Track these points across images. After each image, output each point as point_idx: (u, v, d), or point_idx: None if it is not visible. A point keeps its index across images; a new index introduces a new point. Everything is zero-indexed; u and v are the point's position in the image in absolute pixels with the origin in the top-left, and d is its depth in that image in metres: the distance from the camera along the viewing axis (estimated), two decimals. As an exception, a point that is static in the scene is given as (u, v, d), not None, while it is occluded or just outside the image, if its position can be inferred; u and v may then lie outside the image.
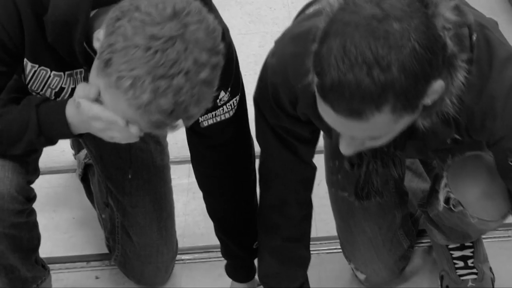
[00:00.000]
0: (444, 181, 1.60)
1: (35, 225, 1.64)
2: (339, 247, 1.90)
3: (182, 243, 2.00)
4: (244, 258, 1.77)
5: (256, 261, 1.77)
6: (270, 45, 1.49)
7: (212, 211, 1.73)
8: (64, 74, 1.47)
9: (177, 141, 2.10)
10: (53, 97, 1.49)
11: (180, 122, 1.27)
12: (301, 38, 1.35)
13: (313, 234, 1.74)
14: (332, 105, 1.18)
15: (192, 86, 1.20)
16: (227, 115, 1.53)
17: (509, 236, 1.90)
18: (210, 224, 1.77)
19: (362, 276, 1.89)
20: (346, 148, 1.30)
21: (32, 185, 1.60)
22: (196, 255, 2.05)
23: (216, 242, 1.78)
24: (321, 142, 1.78)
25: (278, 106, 1.48)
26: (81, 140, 1.95)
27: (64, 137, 1.47)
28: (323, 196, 1.89)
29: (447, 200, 1.59)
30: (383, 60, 1.12)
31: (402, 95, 1.15)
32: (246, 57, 1.52)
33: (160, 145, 1.86)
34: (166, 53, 1.18)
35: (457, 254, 1.86)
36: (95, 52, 1.30)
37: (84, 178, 2.15)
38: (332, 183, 1.80)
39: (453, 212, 1.60)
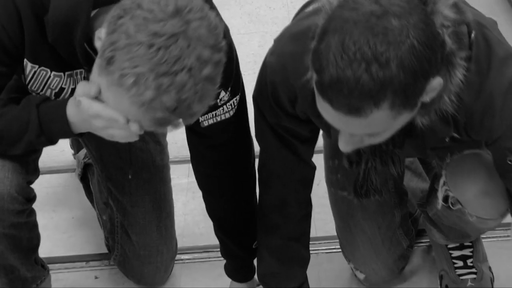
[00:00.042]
0: (442, 179, 1.60)
1: (35, 225, 1.64)
2: (339, 246, 1.90)
3: (181, 242, 2.00)
4: (244, 258, 1.77)
5: (255, 261, 1.77)
6: (269, 44, 1.50)
7: (212, 211, 1.73)
8: (64, 75, 1.47)
9: (176, 141, 2.10)
10: (53, 98, 1.49)
11: (182, 120, 1.27)
12: (300, 36, 1.35)
13: (313, 233, 1.74)
14: (331, 102, 1.18)
15: (195, 82, 1.21)
16: (227, 115, 1.53)
17: (508, 236, 1.90)
18: (209, 224, 1.77)
19: (361, 276, 1.89)
20: (345, 145, 1.30)
21: (32, 185, 1.60)
22: (196, 255, 2.05)
23: (216, 242, 1.78)
24: (320, 142, 1.78)
25: (277, 105, 1.48)
26: (80, 140, 1.95)
27: (64, 136, 1.47)
28: (322, 196, 1.89)
29: (445, 199, 1.59)
30: (381, 57, 1.12)
31: (401, 92, 1.15)
32: (245, 56, 1.52)
33: (160, 145, 1.86)
34: (169, 50, 1.18)
35: (456, 253, 1.87)
36: (95, 52, 1.30)
37: (84, 178, 2.14)
38: (331, 183, 1.80)
39: (452, 211, 1.60)
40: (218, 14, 1.36)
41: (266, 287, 1.76)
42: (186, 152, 1.66)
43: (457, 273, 1.86)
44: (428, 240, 1.98)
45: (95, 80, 1.28)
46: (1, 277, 1.65)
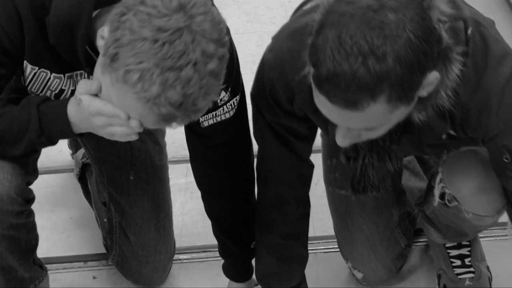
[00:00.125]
0: (439, 176, 1.60)
1: (33, 226, 1.64)
2: (337, 246, 1.90)
3: (179, 242, 2.00)
4: (242, 258, 1.77)
5: (253, 261, 1.77)
6: (267, 44, 1.49)
7: (211, 211, 1.73)
8: (64, 76, 1.47)
9: (174, 141, 2.10)
10: (53, 99, 1.49)
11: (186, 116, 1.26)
12: (298, 33, 1.36)
13: (311, 233, 1.74)
14: (328, 96, 1.18)
15: (200, 77, 1.20)
16: (227, 115, 1.53)
17: (506, 235, 1.90)
18: (207, 223, 1.77)
19: (359, 275, 1.89)
20: (342, 140, 1.30)
21: (30, 185, 1.60)
22: (194, 255, 2.05)
23: (214, 241, 1.78)
24: (319, 142, 1.78)
25: (275, 102, 1.48)
26: (79, 140, 1.95)
27: (65, 136, 1.47)
28: (321, 195, 1.89)
29: (442, 196, 1.60)
30: (378, 50, 1.13)
31: (398, 86, 1.15)
32: (243, 56, 1.52)
33: (159, 145, 1.86)
34: (174, 44, 1.18)
35: (454, 252, 1.87)
36: (96, 54, 1.30)
37: (82, 178, 2.15)
38: (329, 182, 1.80)
39: (449, 208, 1.60)
40: (218, 13, 1.36)
41: (264, 286, 1.76)
42: (184, 152, 1.67)
43: (455, 272, 1.86)
44: (426, 240, 1.98)
45: (98, 78, 1.28)
46: (-1, 278, 1.65)
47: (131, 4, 1.21)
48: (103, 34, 1.25)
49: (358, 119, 1.20)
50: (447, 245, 1.87)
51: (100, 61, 1.26)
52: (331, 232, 1.89)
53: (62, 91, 1.48)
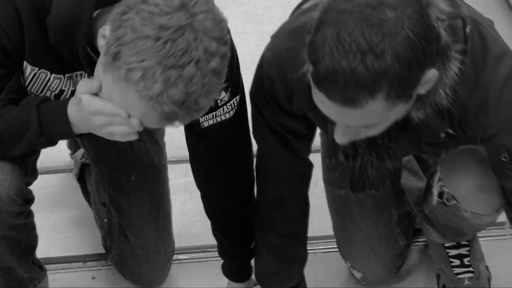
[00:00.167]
0: (438, 175, 1.60)
1: (33, 226, 1.64)
2: (336, 246, 1.90)
3: (178, 242, 2.00)
4: (242, 258, 1.77)
5: (253, 261, 1.77)
6: (266, 44, 1.50)
7: (211, 211, 1.73)
8: (64, 77, 1.46)
9: (173, 141, 2.10)
10: (52, 99, 1.48)
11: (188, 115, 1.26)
12: (297, 32, 1.36)
13: (310, 233, 1.74)
14: (327, 93, 1.18)
15: (202, 75, 1.20)
16: (227, 115, 1.53)
17: (504, 235, 1.90)
18: (207, 223, 1.77)
19: (358, 275, 1.89)
20: (341, 137, 1.30)
21: (29, 186, 1.60)
22: (193, 255, 2.04)
23: (213, 241, 1.78)
24: (318, 141, 1.78)
25: (274, 101, 1.48)
26: (78, 140, 1.95)
27: (65, 137, 1.47)
28: (320, 195, 1.89)
29: (440, 194, 1.60)
30: (376, 48, 1.13)
31: (396, 83, 1.15)
32: (242, 56, 1.52)
33: (158, 145, 1.86)
34: (176, 42, 1.18)
35: (453, 252, 1.87)
36: (97, 54, 1.30)
37: (81, 178, 2.15)
38: (329, 181, 1.80)
39: (447, 207, 1.60)
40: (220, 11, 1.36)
41: (263, 286, 1.76)
42: (183, 152, 1.67)
43: (454, 272, 1.86)
44: (425, 239, 1.98)
45: (99, 77, 1.27)
46: (-1, 278, 1.65)
47: (133, 2, 1.21)
48: (104, 33, 1.24)
49: (356, 116, 1.20)
50: (446, 244, 1.87)
51: (101, 60, 1.26)
52: (330, 232, 1.89)
53: (62, 91, 1.48)
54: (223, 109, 1.51)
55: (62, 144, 2.26)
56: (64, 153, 2.29)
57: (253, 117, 1.57)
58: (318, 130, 1.64)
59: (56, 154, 2.29)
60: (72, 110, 1.38)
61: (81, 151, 2.14)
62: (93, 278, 2.01)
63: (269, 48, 1.47)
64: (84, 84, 1.31)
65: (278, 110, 1.50)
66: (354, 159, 1.51)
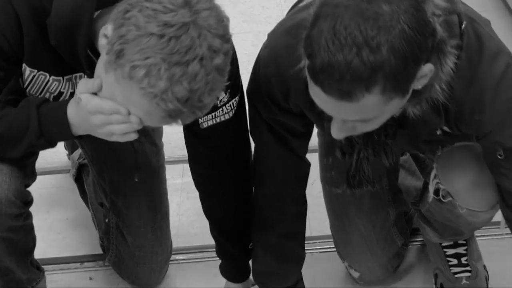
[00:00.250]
0: (434, 172, 1.60)
1: (31, 228, 1.64)
2: (333, 246, 1.90)
3: (176, 243, 2.00)
4: (240, 258, 1.77)
5: (250, 262, 1.77)
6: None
7: (211, 212, 1.72)
8: (63, 79, 1.46)
9: (170, 141, 2.10)
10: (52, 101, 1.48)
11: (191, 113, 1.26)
12: (294, 29, 1.36)
13: (307, 233, 1.74)
14: (323, 87, 1.18)
15: (206, 72, 1.20)
16: (226, 116, 1.53)
17: (501, 234, 1.91)
18: (204, 224, 1.77)
19: (356, 274, 1.89)
20: (337, 132, 1.30)
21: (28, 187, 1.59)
22: (191, 255, 2.04)
23: (210, 242, 1.78)
24: (315, 141, 1.78)
25: (271, 99, 1.48)
26: (77, 142, 1.94)
27: (64, 138, 1.47)
28: (317, 195, 1.89)
29: (437, 191, 1.60)
30: (372, 41, 1.13)
31: (392, 76, 1.16)
32: (239, 56, 1.52)
33: (156, 146, 1.85)
34: (180, 40, 1.18)
35: (450, 251, 1.87)
36: (96, 56, 1.30)
37: (78, 178, 2.14)
38: (326, 181, 1.80)
39: (443, 204, 1.61)
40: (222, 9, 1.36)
41: (261, 286, 1.76)
42: (180, 153, 1.66)
43: (452, 271, 1.86)
44: (422, 239, 1.98)
45: (100, 77, 1.27)
46: (-3, 279, 1.65)
47: (135, 1, 1.21)
48: (106, 33, 1.24)
49: (353, 110, 1.21)
50: (444, 244, 1.88)
51: (102, 59, 1.26)
52: (328, 232, 1.89)
53: (61, 93, 1.47)
54: (223, 110, 1.51)
55: (59, 145, 2.25)
56: (61, 154, 2.28)
57: (250, 116, 1.58)
58: (315, 130, 1.64)
59: (53, 155, 2.29)
60: (71, 111, 1.38)
61: (78, 152, 2.14)
62: (91, 278, 2.01)
63: (266, 46, 1.47)
64: (84, 84, 1.31)
65: (274, 107, 1.50)
66: (350, 156, 1.51)
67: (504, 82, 1.32)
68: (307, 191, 1.68)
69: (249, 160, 1.67)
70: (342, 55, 1.13)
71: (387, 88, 1.17)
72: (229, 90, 1.49)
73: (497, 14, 2.82)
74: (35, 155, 1.65)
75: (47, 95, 1.47)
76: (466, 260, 1.86)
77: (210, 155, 1.60)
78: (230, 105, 1.52)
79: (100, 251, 2.00)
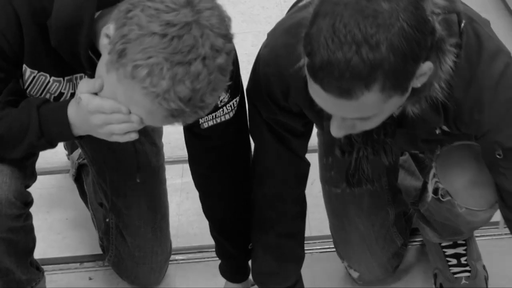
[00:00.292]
0: (433, 171, 1.61)
1: (31, 228, 1.63)
2: (333, 246, 1.90)
3: (175, 243, 2.00)
4: (240, 259, 1.77)
5: (250, 262, 1.77)
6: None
7: (211, 212, 1.72)
8: (64, 80, 1.46)
9: (170, 141, 2.10)
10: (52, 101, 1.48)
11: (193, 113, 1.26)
12: (293, 28, 1.36)
13: (307, 233, 1.74)
14: (322, 84, 1.18)
15: (209, 72, 1.20)
16: (227, 116, 1.52)
17: (501, 234, 1.91)
18: (204, 224, 1.77)
19: (355, 274, 1.89)
20: (337, 130, 1.30)
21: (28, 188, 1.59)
22: (190, 255, 2.04)
23: (210, 242, 1.78)
24: (315, 141, 1.78)
25: (271, 99, 1.48)
26: (77, 142, 1.94)
27: (64, 138, 1.47)
28: (317, 195, 1.89)
29: (435, 191, 1.60)
30: (371, 39, 1.13)
31: (391, 74, 1.16)
32: (239, 56, 1.52)
33: (156, 147, 1.85)
34: (183, 39, 1.18)
35: (450, 251, 1.87)
36: (97, 56, 1.30)
37: (78, 179, 2.14)
38: (325, 180, 1.80)
39: (442, 203, 1.61)
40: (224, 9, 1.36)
41: (260, 286, 1.76)
42: (179, 153, 1.66)
43: (451, 271, 1.86)
44: (421, 239, 1.98)
45: (101, 77, 1.27)
46: (-4, 280, 1.65)
47: (137, 0, 1.21)
48: (108, 32, 1.24)
49: (352, 108, 1.21)
50: (443, 244, 1.88)
51: (104, 59, 1.26)
52: (327, 232, 1.89)
53: (61, 94, 1.47)
54: (223, 110, 1.51)
55: (59, 145, 2.24)
56: (61, 154, 2.28)
57: (250, 115, 1.58)
58: (315, 130, 1.64)
59: (52, 155, 2.29)
60: (72, 111, 1.38)
61: (78, 152, 2.14)
62: (90, 278, 2.01)
63: (265, 45, 1.47)
64: (85, 84, 1.31)
65: (274, 107, 1.50)
66: (350, 154, 1.51)
67: (503, 82, 1.32)
68: (307, 191, 1.68)
69: (249, 161, 1.66)
70: (341, 53, 1.14)
71: (387, 86, 1.17)
72: (229, 90, 1.49)
73: (497, 14, 2.82)
74: (35, 156, 1.64)
75: (47, 96, 1.46)
76: (465, 260, 1.86)
77: (210, 155, 1.60)
78: (231, 106, 1.52)
79: (99, 251, 2.00)
